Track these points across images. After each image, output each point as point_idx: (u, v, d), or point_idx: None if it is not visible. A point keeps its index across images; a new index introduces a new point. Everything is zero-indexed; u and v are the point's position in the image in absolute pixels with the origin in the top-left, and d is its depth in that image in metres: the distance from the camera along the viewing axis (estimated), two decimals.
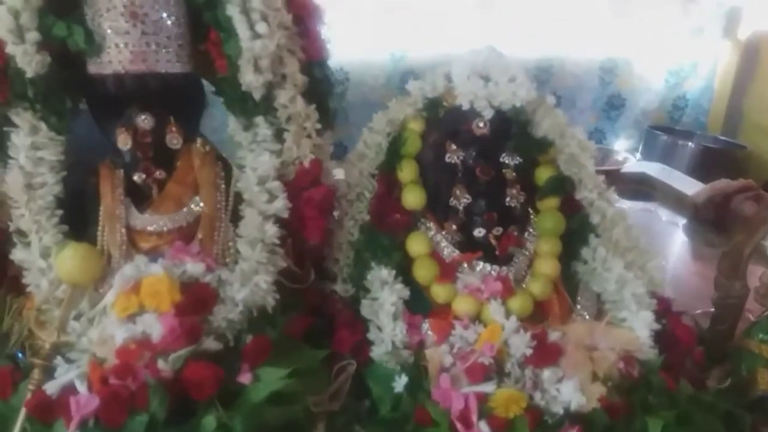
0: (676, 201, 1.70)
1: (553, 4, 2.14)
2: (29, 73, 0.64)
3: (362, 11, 1.84)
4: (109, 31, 0.65)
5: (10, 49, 0.63)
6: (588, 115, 2.33)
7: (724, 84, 2.41)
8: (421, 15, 1.93)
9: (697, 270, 1.36)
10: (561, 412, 0.64)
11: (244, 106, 0.73)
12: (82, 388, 0.57)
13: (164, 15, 0.66)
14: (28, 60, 0.63)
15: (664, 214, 1.65)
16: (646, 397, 0.67)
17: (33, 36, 0.63)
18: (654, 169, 1.89)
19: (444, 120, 0.86)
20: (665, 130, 2.28)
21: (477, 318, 0.75)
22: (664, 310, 0.80)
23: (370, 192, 0.86)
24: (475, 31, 1.96)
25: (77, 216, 0.69)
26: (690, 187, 1.70)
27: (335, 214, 0.85)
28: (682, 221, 1.61)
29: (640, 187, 1.78)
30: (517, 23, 2.05)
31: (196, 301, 0.62)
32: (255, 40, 0.67)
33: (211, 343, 0.61)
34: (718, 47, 2.38)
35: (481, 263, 0.80)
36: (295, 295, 0.75)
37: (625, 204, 1.32)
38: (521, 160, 0.85)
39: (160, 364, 0.57)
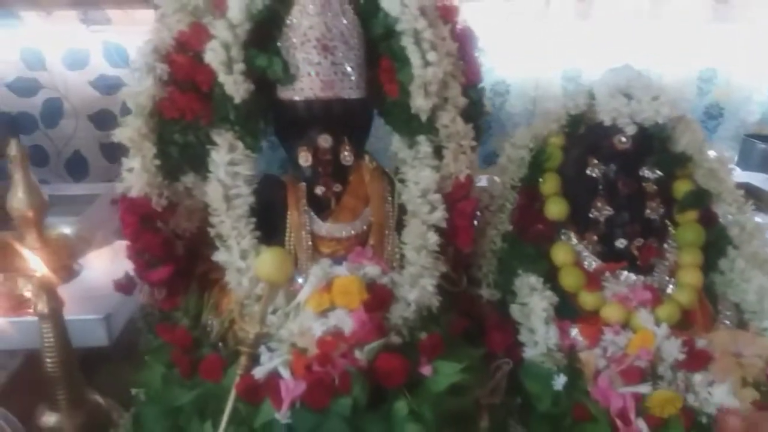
0: None
1: (652, 11, 2.11)
2: (236, 100, 0.74)
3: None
4: (302, 62, 0.75)
5: (221, 78, 0.74)
6: None
7: None
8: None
9: None
10: (714, 412, 0.69)
11: (410, 126, 0.81)
12: (286, 374, 0.66)
13: (350, 48, 0.76)
14: (237, 88, 0.74)
15: None
16: None
17: (240, 67, 0.74)
18: (759, 179, 1.85)
19: (586, 135, 0.91)
20: (763, 139, 2.22)
21: (626, 325, 0.80)
22: None
23: (512, 203, 0.93)
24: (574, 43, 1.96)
25: (265, 224, 0.79)
26: None
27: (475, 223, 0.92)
28: None
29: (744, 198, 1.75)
30: (615, 34, 2.03)
31: (378, 299, 0.71)
32: (426, 68, 0.76)
33: (394, 338, 0.69)
34: None
35: (625, 273, 0.86)
36: (449, 299, 0.82)
37: None
38: (661, 174, 0.89)
39: (357, 354, 0.65)
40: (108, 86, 1.89)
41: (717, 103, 2.30)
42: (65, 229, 0.78)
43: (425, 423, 0.62)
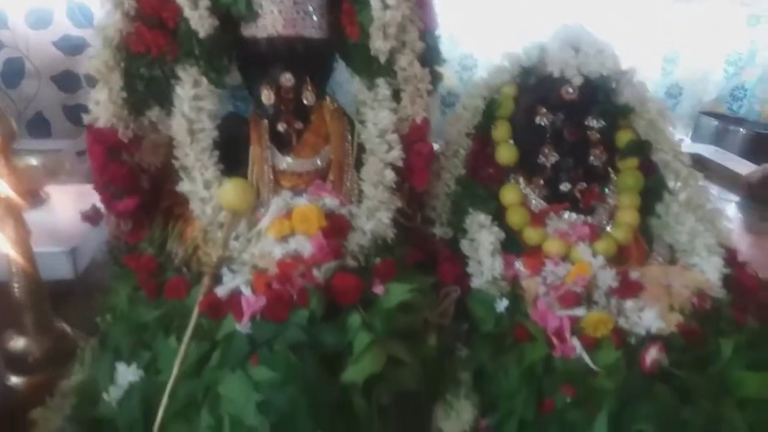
0: (729, 180, 1.77)
1: None
2: (201, 34, 0.77)
3: None
4: (265, 0, 0.78)
5: (187, 13, 0.77)
6: None
7: None
8: None
9: (752, 242, 1.44)
10: (643, 333, 0.75)
11: (370, 68, 0.85)
12: (247, 291, 0.71)
13: None
14: (201, 23, 0.77)
15: (715, 190, 1.73)
16: (718, 325, 0.77)
17: (205, 2, 0.77)
18: (707, 150, 1.97)
19: (536, 86, 0.97)
20: (716, 117, 2.33)
21: (565, 258, 0.86)
22: (731, 258, 0.90)
23: (465, 149, 0.98)
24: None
25: (228, 158, 0.82)
26: (743, 168, 1.78)
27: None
28: (735, 199, 1.69)
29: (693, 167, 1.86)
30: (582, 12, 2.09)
31: (336, 226, 0.75)
32: (385, 11, 0.80)
33: (350, 261, 0.74)
34: None
35: (567, 213, 0.92)
36: (404, 233, 0.87)
37: None
38: (604, 123, 0.95)
39: (314, 272, 0.70)
40: (72, 47, 1.86)
41: (677, 83, 2.39)
42: (32, 160, 0.80)
43: (376, 334, 0.67)
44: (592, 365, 0.72)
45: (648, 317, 0.76)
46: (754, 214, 1.61)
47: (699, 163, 1.86)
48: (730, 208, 1.63)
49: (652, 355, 0.71)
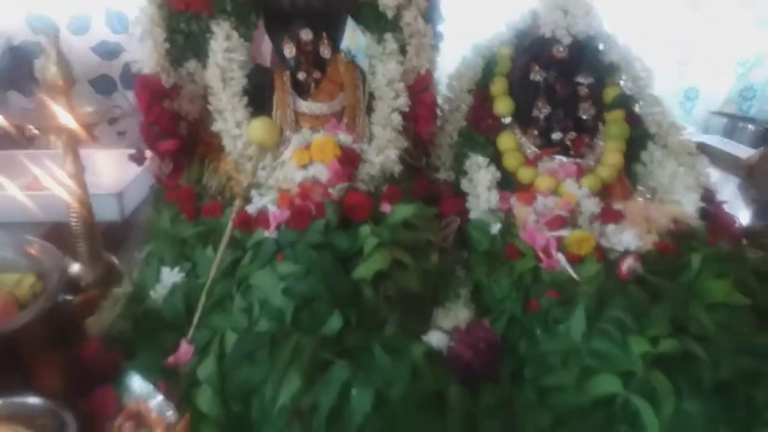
0: (731, 164, 1.85)
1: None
2: None
3: None
4: None
5: None
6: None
7: None
8: None
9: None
10: (621, 250, 0.85)
11: (378, 24, 0.97)
12: (273, 208, 0.82)
13: None
14: None
15: (715, 174, 1.81)
16: (691, 245, 0.86)
17: None
18: (712, 140, 2.05)
19: (530, 46, 1.07)
20: (724, 116, 2.41)
21: (555, 192, 0.96)
22: (708, 196, 0.99)
23: (467, 104, 1.09)
24: None
25: (255, 102, 0.94)
26: (744, 153, 1.86)
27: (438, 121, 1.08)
28: (736, 180, 1.77)
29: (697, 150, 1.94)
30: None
31: (349, 157, 0.86)
32: None
33: (360, 185, 0.85)
34: None
35: (558, 157, 1.02)
36: (410, 173, 0.98)
37: None
38: (593, 80, 1.05)
39: (330, 191, 0.81)
40: (108, 52, 2.00)
41: (694, 86, 2.48)
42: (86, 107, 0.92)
43: (384, 242, 0.77)
44: (574, 275, 0.81)
45: (627, 237, 0.86)
46: (754, 192, 1.69)
47: (704, 149, 1.97)
48: (731, 188, 1.71)
49: (629, 263, 0.81)
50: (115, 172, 1.14)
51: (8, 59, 1.64)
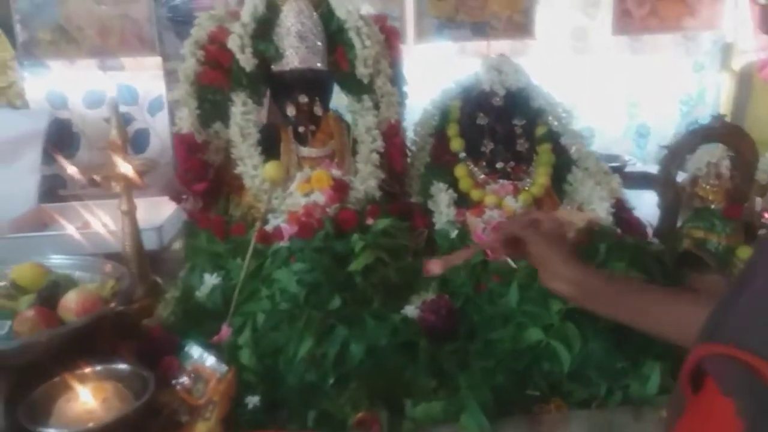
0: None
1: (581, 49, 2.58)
2: (247, 69, 1.15)
3: None
4: (288, 46, 1.16)
5: (237, 56, 1.14)
6: (621, 144, 2.62)
7: (727, 109, 2.73)
8: None
9: None
10: None
11: (357, 88, 1.22)
12: (285, 226, 1.05)
13: (316, 37, 1.17)
14: (247, 62, 1.14)
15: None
16: (600, 238, 1.10)
17: (249, 49, 1.15)
18: (653, 168, 2.32)
19: (475, 97, 1.33)
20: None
21: (498, 207, 1.20)
22: (619, 205, 1.24)
23: (430, 145, 1.34)
24: None
25: (267, 151, 1.18)
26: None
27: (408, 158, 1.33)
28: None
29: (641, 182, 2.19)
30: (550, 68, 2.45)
31: (340, 185, 1.10)
32: (365, 49, 1.17)
33: (350, 206, 1.09)
34: (719, 78, 2.68)
35: (501, 181, 1.27)
36: (388, 199, 1.22)
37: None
38: (525, 121, 1.31)
39: (327, 210, 1.05)
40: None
41: (644, 124, 2.73)
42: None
43: (372, 246, 1.01)
44: (513, 265, 1.05)
45: None
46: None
47: (645, 178, 2.23)
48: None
49: None
50: (149, 212, 1.38)
51: (55, 128, 1.90)
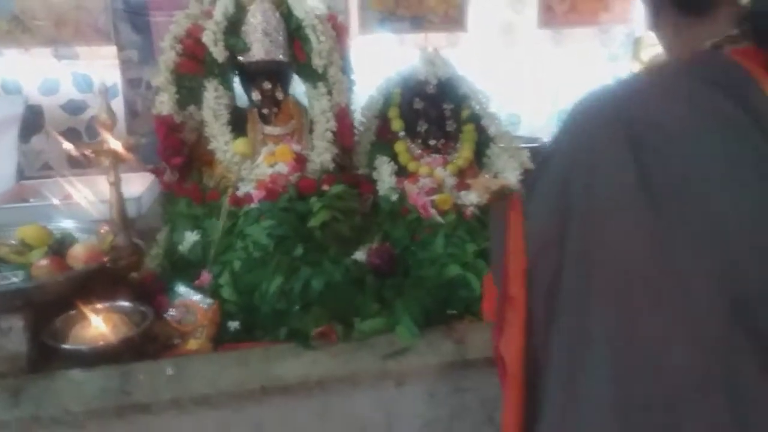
0: None
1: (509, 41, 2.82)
2: (219, 60, 1.33)
3: None
4: (254, 41, 1.35)
5: (211, 49, 1.32)
6: (546, 128, 2.78)
7: None
8: None
9: None
10: (468, 204, 1.32)
11: (313, 77, 1.42)
12: (255, 192, 1.25)
13: (278, 33, 1.36)
14: (219, 53, 1.33)
15: None
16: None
17: (221, 43, 1.33)
18: None
19: (413, 86, 1.55)
20: None
21: (430, 175, 1.43)
22: (527, 172, 1.49)
23: (375, 125, 1.56)
24: None
25: (236, 129, 1.37)
26: None
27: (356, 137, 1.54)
28: None
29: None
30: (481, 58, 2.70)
31: (300, 158, 1.31)
32: (320, 43, 1.37)
33: (309, 175, 1.29)
34: (631, 68, 2.91)
35: (433, 155, 1.50)
36: (340, 170, 1.43)
37: None
38: (453, 105, 1.54)
39: (290, 178, 1.25)
40: (75, 108, 2.33)
41: (566, 110, 2.99)
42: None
43: (328, 207, 1.22)
44: (440, 221, 1.28)
45: (471, 197, 1.34)
46: None
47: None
48: None
49: (470, 209, 1.29)
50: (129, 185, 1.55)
51: (28, 114, 2.01)
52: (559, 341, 0.62)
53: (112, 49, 2.40)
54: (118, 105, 2.37)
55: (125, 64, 2.43)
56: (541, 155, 0.71)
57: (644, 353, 0.56)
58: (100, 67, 2.38)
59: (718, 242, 0.55)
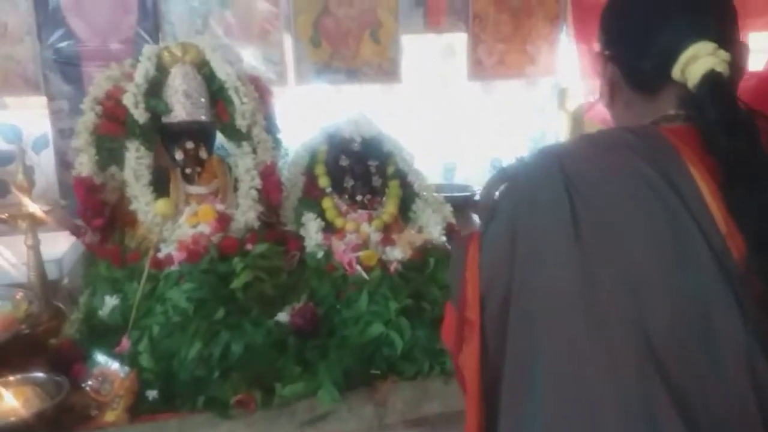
0: None
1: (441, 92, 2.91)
2: (140, 122, 1.32)
3: None
4: (176, 103, 1.35)
5: (132, 111, 1.31)
6: (480, 176, 2.80)
7: None
8: None
9: None
10: (392, 260, 1.34)
11: (237, 136, 1.43)
12: (176, 253, 1.23)
13: (200, 95, 1.37)
14: (140, 115, 1.31)
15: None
16: (432, 253, 1.37)
17: (142, 105, 1.32)
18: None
19: (338, 143, 1.58)
20: None
21: (356, 231, 1.44)
22: (450, 228, 1.53)
23: (301, 182, 1.57)
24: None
25: (158, 189, 1.35)
26: None
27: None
28: None
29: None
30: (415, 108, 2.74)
31: (223, 218, 1.30)
32: (243, 105, 1.39)
33: (232, 235, 1.28)
34: (557, 118, 3.01)
35: (359, 210, 1.52)
36: (266, 227, 1.43)
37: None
38: (378, 162, 1.58)
39: (212, 239, 1.24)
40: (3, 159, 2.26)
41: (497, 158, 3.06)
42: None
43: (251, 267, 1.21)
44: (366, 277, 1.29)
45: (395, 253, 1.36)
46: None
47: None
48: None
49: (394, 265, 1.30)
50: (48, 246, 1.49)
51: None
52: (508, 363, 0.66)
53: (42, 99, 2.34)
54: (49, 156, 2.31)
55: (56, 115, 2.36)
56: (489, 200, 0.79)
57: (576, 385, 0.60)
58: (30, 117, 2.32)
59: (632, 286, 0.60)
